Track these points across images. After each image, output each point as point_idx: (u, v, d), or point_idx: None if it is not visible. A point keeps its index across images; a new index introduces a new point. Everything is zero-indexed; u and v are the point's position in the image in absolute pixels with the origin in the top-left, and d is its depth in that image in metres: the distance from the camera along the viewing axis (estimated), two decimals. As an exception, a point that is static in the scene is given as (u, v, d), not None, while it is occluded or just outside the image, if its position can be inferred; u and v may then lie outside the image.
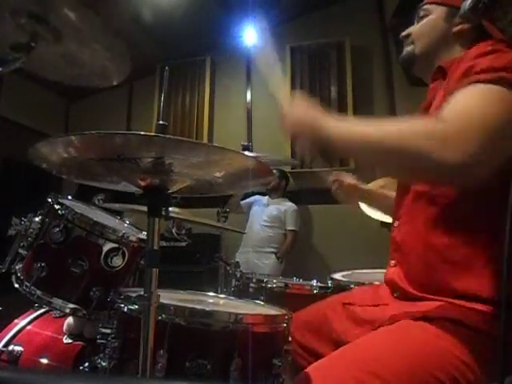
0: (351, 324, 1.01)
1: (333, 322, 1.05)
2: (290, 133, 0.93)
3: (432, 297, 0.87)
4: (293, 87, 4.32)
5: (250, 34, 4.36)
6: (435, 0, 1.06)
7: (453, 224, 0.88)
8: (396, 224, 1.04)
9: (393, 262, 1.02)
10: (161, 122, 0.81)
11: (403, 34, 1.11)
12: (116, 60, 1.01)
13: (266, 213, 3.65)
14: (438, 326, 0.80)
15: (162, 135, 0.70)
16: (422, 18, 1.08)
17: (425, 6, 1.08)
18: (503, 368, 0.48)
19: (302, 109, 0.91)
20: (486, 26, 0.98)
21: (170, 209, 0.91)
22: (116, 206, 1.44)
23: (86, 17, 0.90)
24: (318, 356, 0.99)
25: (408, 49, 1.09)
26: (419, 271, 0.92)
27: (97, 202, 2.45)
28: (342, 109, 4.16)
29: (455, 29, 1.01)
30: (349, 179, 1.42)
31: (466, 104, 0.77)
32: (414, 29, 1.09)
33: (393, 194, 1.31)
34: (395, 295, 0.97)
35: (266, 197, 3.75)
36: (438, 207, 0.90)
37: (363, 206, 2.12)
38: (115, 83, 1.06)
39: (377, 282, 1.28)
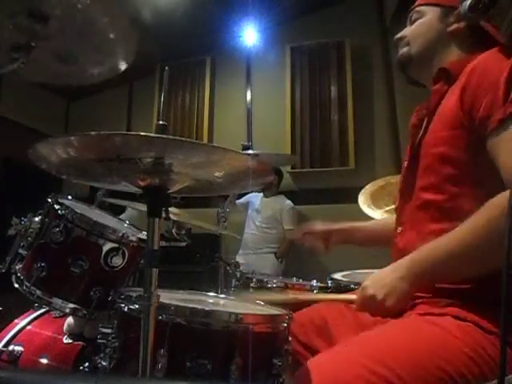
0: (353, 324, 1.01)
1: (335, 321, 1.04)
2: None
3: (436, 299, 0.87)
4: (293, 87, 4.33)
5: (250, 34, 4.37)
6: (428, 1, 1.06)
7: None
8: (399, 230, 1.03)
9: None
10: (161, 122, 0.81)
11: (398, 36, 1.11)
12: (122, 41, 0.99)
13: (261, 214, 3.64)
14: (446, 321, 0.81)
15: (162, 136, 0.70)
16: (416, 20, 1.07)
17: (418, 8, 1.08)
18: (503, 368, 0.48)
19: (382, 284, 0.86)
20: (482, 25, 0.98)
21: (170, 209, 0.91)
22: (123, 202, 1.43)
23: None
24: None
25: (404, 50, 1.08)
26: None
27: (98, 197, 2.45)
28: (341, 109, 4.16)
29: (450, 28, 1.01)
30: (319, 227, 1.31)
31: None
32: (408, 30, 1.09)
33: (365, 223, 1.31)
34: None
35: (261, 195, 3.72)
36: (448, 217, 0.89)
37: (363, 206, 2.12)
38: (121, 70, 1.04)
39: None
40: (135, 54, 1.00)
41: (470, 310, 0.81)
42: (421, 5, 1.07)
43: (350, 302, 0.92)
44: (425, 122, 0.99)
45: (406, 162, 1.08)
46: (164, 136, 0.69)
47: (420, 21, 1.06)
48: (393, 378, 0.72)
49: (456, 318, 0.81)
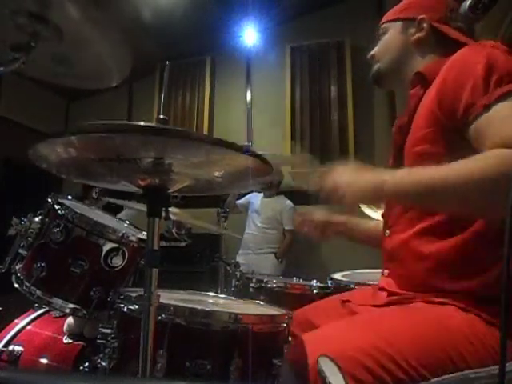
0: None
1: (333, 320, 1.04)
2: (335, 198, 0.90)
3: (437, 294, 0.88)
4: (293, 87, 4.33)
5: (250, 34, 4.37)
6: (389, 18, 1.13)
7: (446, 233, 0.89)
8: (387, 234, 1.05)
9: (386, 271, 1.04)
10: (161, 116, 0.80)
11: (368, 55, 1.17)
12: (117, 59, 1.00)
13: (261, 215, 3.63)
14: (447, 309, 0.83)
15: (165, 126, 0.70)
16: (381, 37, 1.13)
17: (382, 26, 1.14)
18: (503, 368, 0.48)
19: (347, 174, 0.90)
20: (442, 29, 1.02)
21: (170, 209, 0.91)
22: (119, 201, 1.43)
23: (89, 14, 0.89)
24: None
25: (375, 67, 1.14)
26: (413, 280, 0.93)
27: (94, 195, 2.45)
28: (341, 109, 4.16)
29: (413, 38, 1.06)
30: (318, 215, 1.31)
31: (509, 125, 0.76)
32: (376, 48, 1.15)
33: (362, 221, 1.31)
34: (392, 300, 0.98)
35: (261, 195, 3.72)
36: (431, 217, 0.91)
37: (363, 206, 2.12)
38: (114, 85, 1.06)
39: (377, 282, 1.28)
40: (127, 73, 1.01)
41: (472, 304, 0.82)
42: (384, 22, 1.14)
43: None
44: (405, 127, 1.02)
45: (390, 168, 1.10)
46: (166, 127, 0.69)
47: (384, 37, 1.12)
48: (398, 358, 0.72)
49: (457, 307, 0.82)
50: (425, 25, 1.04)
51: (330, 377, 0.68)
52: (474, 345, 0.77)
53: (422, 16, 1.04)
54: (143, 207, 0.83)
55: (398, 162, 1.03)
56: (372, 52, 1.16)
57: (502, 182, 0.69)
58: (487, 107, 0.79)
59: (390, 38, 1.11)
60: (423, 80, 0.99)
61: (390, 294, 0.98)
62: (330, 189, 0.92)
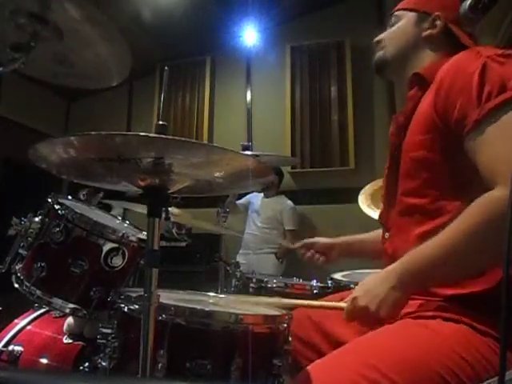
0: (349, 324, 1.01)
1: (332, 320, 1.05)
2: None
3: (428, 298, 0.88)
4: (293, 87, 4.33)
5: (250, 34, 4.37)
6: (405, 6, 1.10)
7: None
8: (387, 236, 1.05)
9: None
10: (161, 123, 0.81)
11: (376, 39, 1.14)
12: (116, 59, 1.00)
13: (261, 215, 3.63)
14: (437, 323, 0.81)
15: (162, 136, 0.70)
16: (394, 24, 1.11)
17: (396, 13, 1.11)
18: (503, 368, 0.48)
19: (373, 293, 0.83)
20: (454, 30, 1.00)
21: (170, 209, 0.91)
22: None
23: (89, 14, 0.89)
24: (318, 352, 1.00)
25: (379, 53, 1.11)
26: None
27: (81, 197, 2.44)
28: (341, 109, 4.16)
29: (424, 33, 1.04)
30: (321, 243, 1.32)
31: (508, 142, 0.75)
32: (385, 34, 1.12)
33: (366, 235, 1.32)
34: None
35: (261, 195, 3.72)
36: (432, 219, 0.91)
37: (363, 206, 2.12)
38: (114, 84, 1.06)
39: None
40: (127, 73, 1.02)
41: (463, 312, 0.81)
42: (399, 10, 1.11)
43: (340, 309, 0.89)
44: (403, 129, 1.01)
45: (386, 170, 1.10)
46: (164, 136, 0.69)
47: (397, 25, 1.10)
48: (385, 382, 0.72)
49: (448, 319, 0.81)
50: (439, 22, 1.02)
51: None
52: (467, 360, 0.75)
53: (437, 13, 1.03)
54: (133, 207, 0.83)
55: (395, 166, 1.03)
56: (379, 37, 1.13)
57: (496, 227, 0.69)
58: (479, 123, 0.79)
59: (402, 27, 1.08)
60: (421, 81, 0.99)
61: None
62: (361, 315, 0.85)
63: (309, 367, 0.81)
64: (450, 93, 0.86)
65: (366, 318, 0.85)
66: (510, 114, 0.76)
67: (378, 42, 1.13)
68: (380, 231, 1.11)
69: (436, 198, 0.90)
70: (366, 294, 0.83)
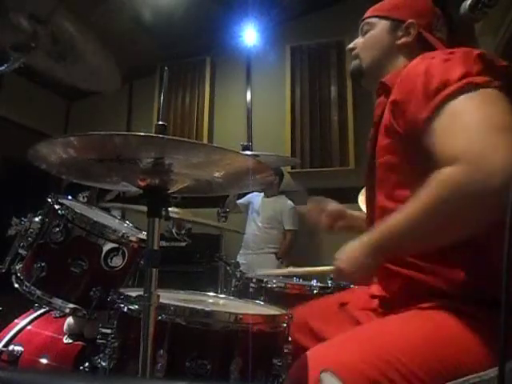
0: (348, 326, 1.01)
1: (330, 321, 1.05)
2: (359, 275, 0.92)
3: (432, 297, 0.88)
4: (293, 87, 4.33)
5: (250, 34, 4.37)
6: (377, 13, 1.09)
7: None
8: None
9: (375, 278, 1.04)
10: (160, 123, 0.81)
11: (349, 46, 1.14)
12: (105, 72, 1.00)
13: (261, 215, 3.63)
14: (443, 315, 0.82)
15: (162, 136, 0.70)
16: (367, 31, 1.10)
17: (368, 20, 1.10)
18: (503, 369, 0.48)
19: (350, 257, 0.91)
20: (428, 38, 1.01)
21: (170, 209, 0.91)
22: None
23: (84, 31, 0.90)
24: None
25: (355, 63, 1.11)
26: (401, 286, 0.93)
27: (81, 199, 2.45)
28: (341, 109, 4.16)
29: (399, 41, 1.04)
30: (332, 207, 1.29)
31: (456, 128, 0.76)
32: (359, 42, 1.11)
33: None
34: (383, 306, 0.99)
35: (262, 195, 3.72)
36: None
37: (363, 206, 2.11)
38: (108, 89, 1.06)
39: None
40: (120, 84, 1.02)
41: (467, 305, 0.82)
42: (371, 16, 1.10)
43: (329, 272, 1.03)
44: (374, 136, 1.02)
45: (365, 178, 1.10)
46: (163, 136, 0.69)
47: (370, 33, 1.09)
48: (399, 368, 0.72)
49: (452, 311, 0.82)
50: (412, 30, 1.03)
51: None
52: (471, 350, 0.76)
53: (411, 20, 1.03)
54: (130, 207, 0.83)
55: (371, 173, 1.03)
56: (352, 45, 1.13)
57: (452, 203, 0.73)
58: (429, 119, 0.79)
59: (376, 36, 1.07)
60: (386, 89, 0.99)
61: (381, 299, 0.99)
62: (342, 275, 0.94)
63: (315, 348, 0.81)
64: (401, 98, 0.87)
65: (347, 277, 0.99)
66: (453, 104, 0.77)
67: (351, 49, 1.12)
68: None
69: (406, 200, 0.88)
70: (346, 259, 0.90)
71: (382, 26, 1.07)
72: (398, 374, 0.71)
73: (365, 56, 1.09)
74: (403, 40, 1.04)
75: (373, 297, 1.02)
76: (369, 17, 1.11)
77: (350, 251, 0.90)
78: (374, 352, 0.75)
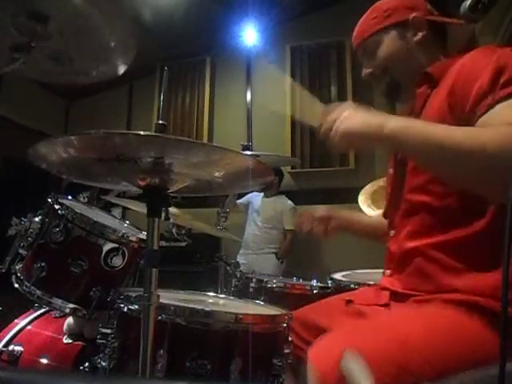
0: (357, 321, 1.01)
1: (338, 317, 1.04)
2: (340, 143, 0.87)
3: (438, 295, 0.88)
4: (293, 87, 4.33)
5: (250, 34, 4.37)
6: (376, 29, 1.06)
7: (450, 233, 0.88)
8: (392, 234, 1.05)
9: (388, 271, 1.03)
10: (160, 122, 0.81)
11: (366, 73, 1.10)
12: (120, 45, 0.99)
13: (261, 215, 3.63)
14: (464, 310, 0.81)
15: (162, 135, 0.70)
16: (373, 52, 1.07)
17: (370, 40, 1.07)
18: (503, 369, 0.48)
19: (350, 118, 0.87)
20: (435, 19, 1.01)
21: (170, 209, 0.91)
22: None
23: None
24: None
25: (386, 81, 1.07)
26: (418, 280, 0.93)
27: (82, 200, 2.45)
28: (341, 109, 4.15)
29: (416, 39, 1.03)
30: (320, 212, 1.30)
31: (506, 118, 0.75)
32: (372, 64, 1.08)
33: (363, 217, 1.32)
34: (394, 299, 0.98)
35: (262, 195, 3.72)
36: (437, 217, 0.91)
37: (363, 206, 2.12)
38: (119, 74, 1.05)
39: (377, 282, 1.28)
40: (133, 58, 1.00)
41: (488, 302, 0.81)
42: (371, 35, 1.07)
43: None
44: None
45: (391, 169, 1.10)
46: (163, 135, 0.69)
47: (381, 49, 1.05)
48: (420, 354, 0.72)
49: (473, 307, 0.81)
50: (420, 23, 1.02)
51: (354, 371, 0.67)
52: (490, 348, 0.75)
53: (413, 15, 1.02)
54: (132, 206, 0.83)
55: (401, 163, 1.03)
56: (369, 71, 1.09)
57: (502, 154, 0.69)
58: (491, 107, 0.79)
59: (390, 48, 1.05)
60: (431, 80, 0.98)
61: (393, 293, 0.98)
62: (329, 121, 0.89)
63: (333, 332, 0.80)
64: (465, 86, 0.85)
65: (329, 140, 0.89)
66: None
67: (371, 74, 1.09)
68: (375, 216, 1.11)
69: (442, 195, 0.90)
70: (346, 122, 0.86)
71: (390, 36, 1.05)
72: (417, 365, 0.72)
73: (395, 69, 1.06)
74: (419, 36, 1.02)
75: (384, 289, 1.01)
76: (369, 37, 1.08)
77: (358, 118, 0.86)
78: (398, 338, 0.74)
